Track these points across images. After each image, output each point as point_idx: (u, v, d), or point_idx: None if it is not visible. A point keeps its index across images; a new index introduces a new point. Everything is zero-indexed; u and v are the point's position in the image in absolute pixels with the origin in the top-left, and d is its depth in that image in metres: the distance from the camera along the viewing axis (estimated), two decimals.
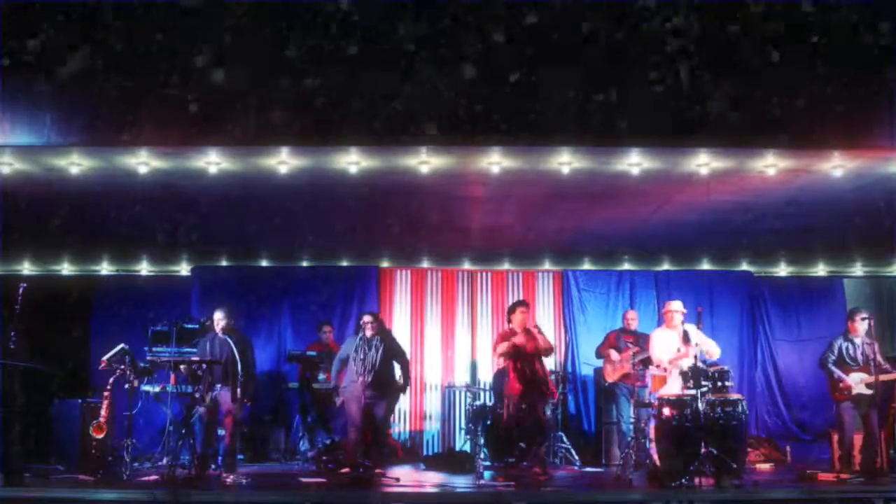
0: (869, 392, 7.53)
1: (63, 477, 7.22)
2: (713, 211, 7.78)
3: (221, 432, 7.63)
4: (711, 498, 6.36)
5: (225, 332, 7.49)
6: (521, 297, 10.51)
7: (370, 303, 10.48)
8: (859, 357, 7.65)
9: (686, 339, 7.58)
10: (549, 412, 8.93)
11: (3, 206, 7.08)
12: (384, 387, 7.48)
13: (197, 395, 7.35)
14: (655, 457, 7.14)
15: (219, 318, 7.51)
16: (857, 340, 7.71)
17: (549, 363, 10.44)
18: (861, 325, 7.69)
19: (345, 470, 7.38)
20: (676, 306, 7.82)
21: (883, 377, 7.54)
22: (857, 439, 7.68)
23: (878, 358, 7.61)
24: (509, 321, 7.78)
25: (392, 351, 7.63)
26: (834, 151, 6.08)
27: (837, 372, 7.68)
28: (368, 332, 7.50)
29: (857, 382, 7.58)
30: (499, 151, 6.12)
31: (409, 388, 8.01)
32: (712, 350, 7.51)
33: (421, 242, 9.67)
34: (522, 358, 7.54)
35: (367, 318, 7.63)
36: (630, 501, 6.78)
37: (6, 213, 7.24)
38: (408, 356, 7.78)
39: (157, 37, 5.98)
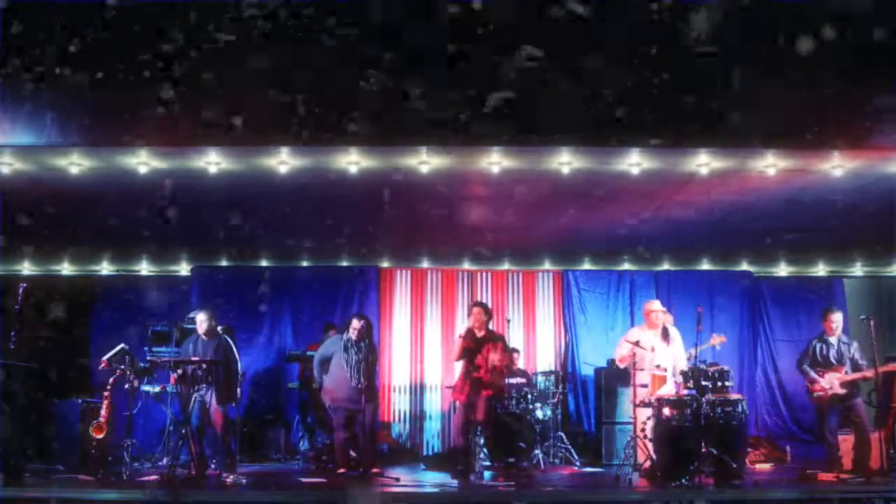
0: (843, 392, 7.50)
1: (63, 477, 7.22)
2: (713, 211, 7.79)
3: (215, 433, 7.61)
4: (711, 498, 6.35)
5: (208, 334, 7.48)
6: (520, 298, 10.55)
7: (370, 303, 10.48)
8: (832, 356, 7.60)
9: (665, 335, 7.65)
10: (548, 413, 8.94)
11: (3, 206, 7.08)
12: (374, 389, 7.54)
13: (196, 395, 7.34)
14: (655, 457, 7.13)
15: (201, 320, 7.49)
16: (833, 340, 7.65)
17: (549, 363, 10.48)
18: (833, 324, 7.65)
19: (341, 470, 7.37)
20: (657, 306, 7.91)
21: (855, 376, 7.50)
22: (848, 440, 7.65)
23: (857, 357, 7.57)
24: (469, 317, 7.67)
25: (375, 356, 7.65)
26: (834, 151, 6.09)
27: (811, 373, 7.65)
28: (356, 335, 7.48)
29: (832, 383, 7.54)
30: (499, 151, 6.13)
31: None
32: (678, 362, 7.64)
33: (421, 242, 9.67)
34: (472, 360, 7.47)
35: (357, 323, 7.57)
36: (630, 501, 6.78)
37: (6, 213, 7.25)
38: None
39: (157, 37, 5.98)
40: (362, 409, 7.33)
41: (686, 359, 7.77)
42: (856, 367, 7.54)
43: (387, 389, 10.49)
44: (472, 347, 7.44)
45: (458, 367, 7.71)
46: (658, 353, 7.82)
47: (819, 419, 7.83)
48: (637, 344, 7.74)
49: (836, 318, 7.65)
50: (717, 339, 8.50)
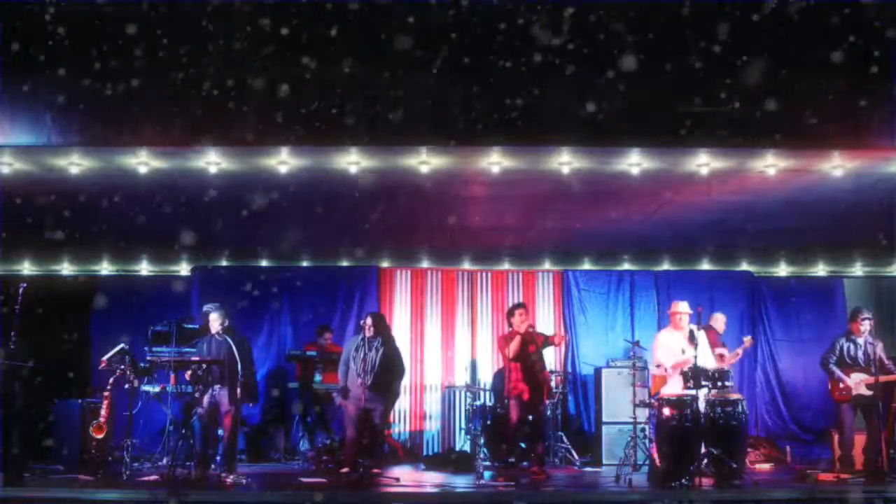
0: (869, 393, 7.50)
1: (63, 477, 7.21)
2: (713, 211, 7.78)
3: (221, 433, 7.61)
4: (711, 498, 6.36)
5: (222, 332, 7.47)
6: (520, 298, 10.53)
7: (370, 303, 10.47)
8: (860, 357, 7.61)
9: (692, 339, 7.54)
10: (548, 413, 8.96)
11: (3, 206, 7.08)
12: (383, 388, 7.45)
13: (197, 395, 7.34)
14: (655, 457, 7.13)
15: (214, 319, 7.48)
16: (860, 340, 7.66)
17: (549, 363, 10.46)
18: (864, 325, 7.65)
19: (344, 470, 7.36)
20: (683, 308, 7.74)
21: (884, 378, 7.50)
22: (859, 439, 7.66)
23: (882, 357, 7.57)
24: (509, 324, 7.79)
25: (390, 355, 7.59)
26: (834, 151, 6.09)
27: (837, 372, 7.65)
28: (368, 333, 7.47)
29: (857, 383, 7.55)
30: (499, 151, 6.13)
31: (399, 395, 7.96)
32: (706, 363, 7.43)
33: (421, 242, 9.67)
34: (525, 358, 7.57)
35: (367, 320, 7.60)
36: (630, 501, 6.78)
37: (6, 213, 7.24)
38: (404, 366, 7.79)
39: (157, 37, 5.99)
40: (370, 408, 7.31)
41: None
42: (883, 369, 7.52)
43: None
44: (528, 350, 7.56)
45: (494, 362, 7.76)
46: (688, 356, 7.56)
47: (837, 419, 7.82)
48: (636, 344, 7.74)
49: (867, 321, 7.65)
50: (748, 342, 8.77)
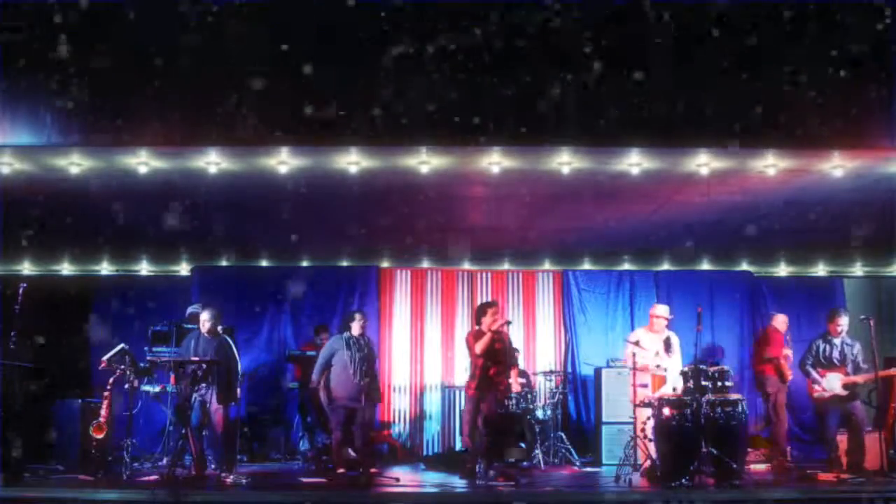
0: (845, 393, 7.53)
1: (63, 477, 7.21)
2: (713, 211, 7.79)
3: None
4: (711, 498, 6.36)
5: (211, 333, 7.44)
6: (520, 298, 10.53)
7: (370, 303, 10.47)
8: (835, 357, 7.64)
9: (668, 347, 7.66)
10: (548, 413, 8.96)
11: (3, 206, 7.08)
12: (376, 386, 7.51)
13: (196, 395, 7.32)
14: (655, 457, 7.14)
15: (205, 320, 7.44)
16: (836, 341, 7.69)
17: (549, 363, 10.48)
18: (840, 326, 7.67)
19: (340, 470, 7.35)
20: (661, 311, 7.85)
21: (856, 378, 7.53)
22: (846, 440, 7.67)
23: (858, 358, 7.60)
24: (478, 322, 7.56)
25: (373, 353, 7.62)
26: (834, 151, 6.09)
27: (813, 373, 7.68)
28: (358, 331, 7.45)
29: (833, 383, 7.56)
30: (499, 151, 6.13)
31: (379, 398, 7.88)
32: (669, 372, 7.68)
33: (421, 242, 9.67)
34: (491, 358, 7.43)
35: (360, 317, 7.54)
36: (630, 501, 6.78)
37: (6, 213, 7.25)
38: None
39: (156, 37, 5.99)
40: (362, 408, 7.31)
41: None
42: (857, 369, 7.56)
43: (387, 389, 10.49)
44: (499, 348, 7.46)
45: (468, 362, 7.69)
46: (661, 360, 7.80)
47: (819, 419, 7.86)
48: (637, 344, 7.75)
49: (843, 322, 7.67)
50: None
